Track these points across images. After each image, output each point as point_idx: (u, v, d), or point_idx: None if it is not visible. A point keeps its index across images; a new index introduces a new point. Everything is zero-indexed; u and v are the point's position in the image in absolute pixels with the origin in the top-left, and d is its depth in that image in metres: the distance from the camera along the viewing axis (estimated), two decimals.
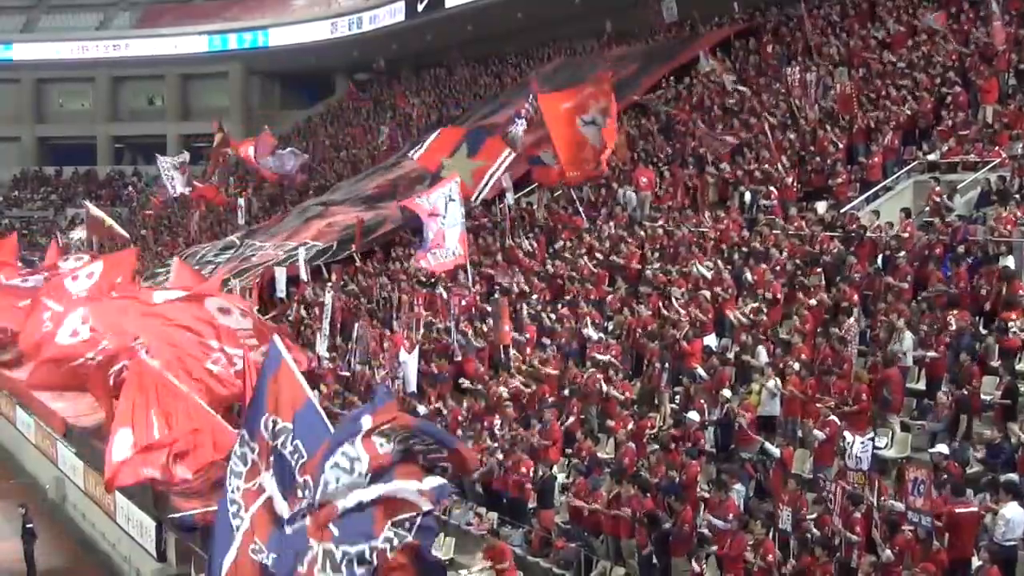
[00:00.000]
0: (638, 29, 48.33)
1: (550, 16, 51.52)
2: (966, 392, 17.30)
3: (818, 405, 18.19)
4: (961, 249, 20.85)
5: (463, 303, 28.59)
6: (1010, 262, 19.95)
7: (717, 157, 30.38)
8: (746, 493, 17.58)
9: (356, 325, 30.12)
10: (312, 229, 42.68)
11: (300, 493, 10.34)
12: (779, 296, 22.16)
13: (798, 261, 23.07)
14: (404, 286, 31.86)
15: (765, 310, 21.97)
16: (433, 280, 31.19)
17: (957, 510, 14.46)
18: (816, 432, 17.54)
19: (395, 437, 10.11)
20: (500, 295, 27.81)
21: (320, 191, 51.42)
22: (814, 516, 15.95)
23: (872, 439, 16.87)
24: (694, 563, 16.24)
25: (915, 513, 14.41)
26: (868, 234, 22.80)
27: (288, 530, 10.43)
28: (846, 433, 16.65)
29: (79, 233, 54.21)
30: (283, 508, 10.52)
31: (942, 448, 15.90)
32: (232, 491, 10.97)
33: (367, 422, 10.25)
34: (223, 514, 10.96)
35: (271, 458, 10.74)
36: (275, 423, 10.76)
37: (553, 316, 25.98)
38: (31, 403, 31.29)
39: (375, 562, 9.95)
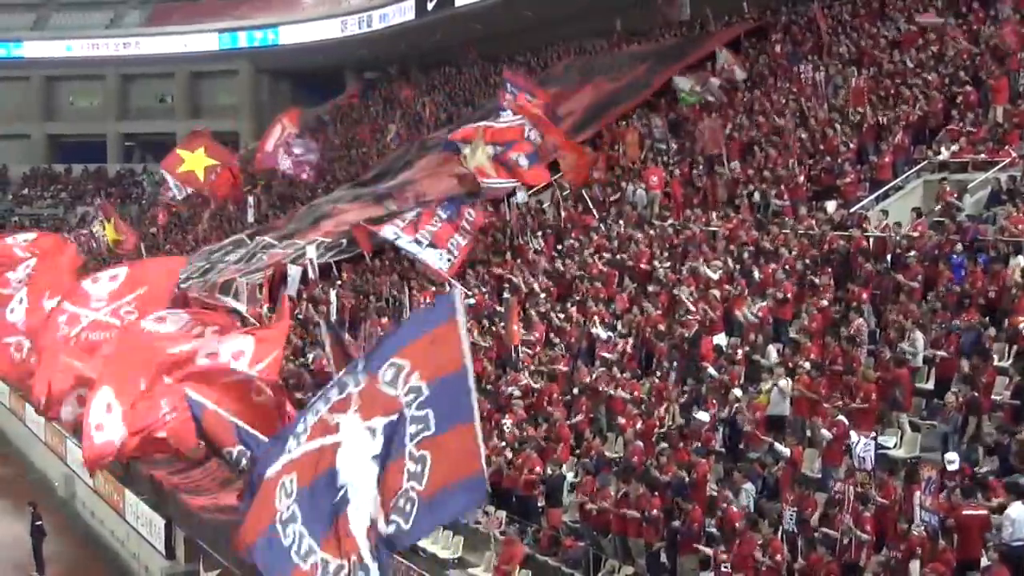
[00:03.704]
0: (648, 27, 48.29)
1: (560, 15, 51.44)
2: (976, 393, 17.24)
3: (825, 405, 18.16)
4: (960, 248, 20.79)
5: (471, 302, 28.60)
6: (1021, 262, 19.90)
7: (728, 153, 30.38)
8: (755, 493, 17.56)
9: (364, 324, 30.15)
10: (321, 228, 42.68)
11: (412, 467, 9.39)
12: (790, 295, 22.13)
13: (807, 260, 23.04)
14: (414, 284, 31.87)
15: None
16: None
17: (965, 512, 14.44)
18: (824, 432, 17.52)
19: None
20: (510, 294, 27.82)
21: (329, 190, 51.43)
22: (822, 515, 15.94)
23: (875, 439, 16.86)
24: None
25: (925, 512, 14.43)
26: (877, 233, 22.76)
27: (335, 494, 9.61)
28: (851, 433, 16.65)
29: (98, 227, 53.99)
30: (352, 467, 9.57)
31: (952, 456, 15.78)
32: (309, 413, 10.08)
33: None
34: (286, 430, 10.33)
35: (387, 418, 9.64)
36: (410, 380, 9.57)
37: (562, 315, 25.98)
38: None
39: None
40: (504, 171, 32.02)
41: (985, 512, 14.52)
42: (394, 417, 9.53)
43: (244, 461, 17.34)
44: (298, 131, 50.77)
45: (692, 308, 22.89)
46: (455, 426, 9.35)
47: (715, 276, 23.79)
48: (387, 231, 32.03)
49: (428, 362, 9.54)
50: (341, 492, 9.60)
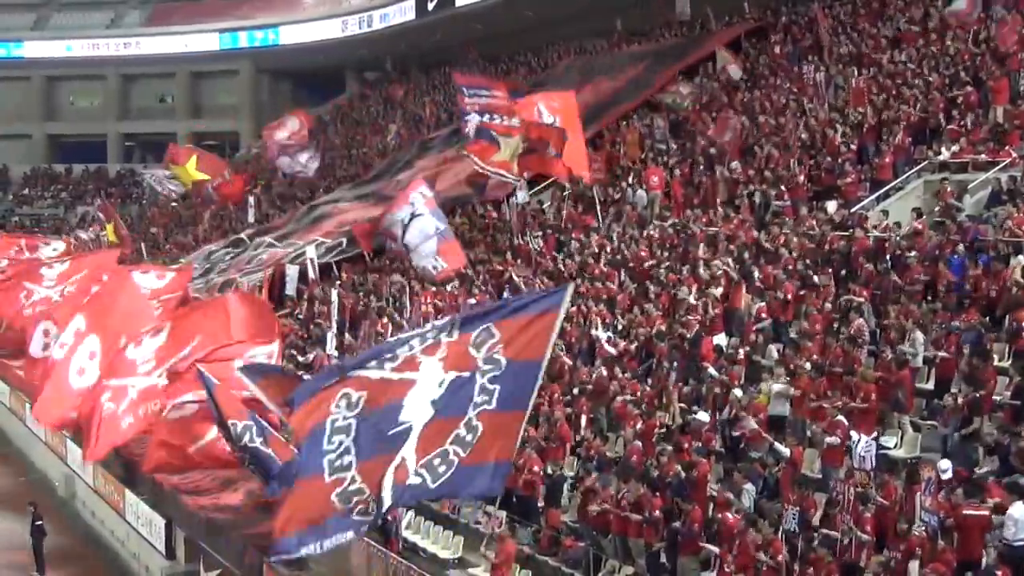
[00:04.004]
0: (648, 28, 48.31)
1: (560, 15, 51.47)
2: (979, 394, 17.22)
3: (825, 406, 18.15)
4: (962, 248, 20.78)
5: (472, 301, 28.58)
6: (1021, 261, 19.88)
7: (730, 151, 30.38)
8: (755, 493, 17.56)
9: (363, 324, 30.16)
10: (322, 227, 42.67)
11: (462, 432, 9.75)
12: (790, 296, 22.13)
13: (808, 260, 23.03)
14: (415, 283, 31.86)
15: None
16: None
17: (965, 511, 14.43)
18: (829, 440, 17.47)
19: None
20: (509, 294, 27.80)
21: (329, 190, 51.44)
22: (822, 515, 15.94)
23: (876, 439, 16.86)
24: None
25: (925, 512, 14.43)
26: (878, 233, 22.75)
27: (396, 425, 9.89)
28: (852, 433, 16.64)
29: (88, 234, 54.17)
30: (416, 408, 9.90)
31: (944, 464, 15.73)
32: (401, 346, 10.37)
33: None
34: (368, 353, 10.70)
35: (459, 373, 10.01)
36: (497, 350, 9.97)
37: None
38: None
39: None
40: (536, 161, 31.45)
41: (986, 512, 14.50)
42: (466, 375, 9.90)
43: (248, 436, 17.47)
44: (309, 134, 50.95)
45: (690, 311, 22.85)
46: (513, 410, 9.73)
47: (716, 274, 23.81)
48: (387, 220, 31.71)
49: (516, 341, 9.87)
50: (402, 427, 9.86)
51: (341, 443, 9.97)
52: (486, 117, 31.37)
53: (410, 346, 10.28)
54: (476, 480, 10.03)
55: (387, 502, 9.86)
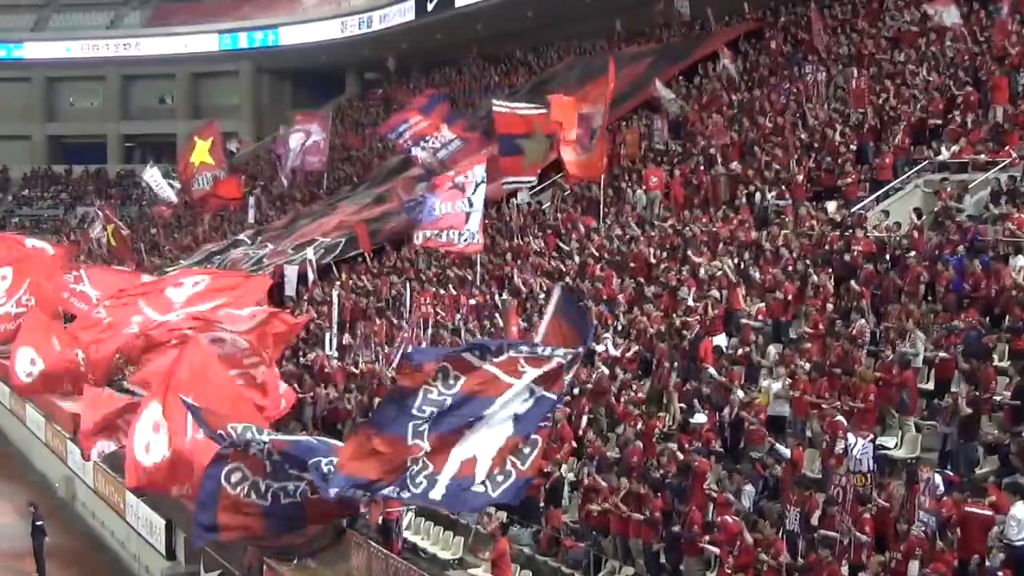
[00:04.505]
0: (649, 28, 48.33)
1: (560, 15, 51.52)
2: (978, 393, 17.20)
3: (824, 406, 18.14)
4: (961, 248, 20.78)
5: (472, 302, 28.60)
6: (1021, 261, 19.89)
7: (727, 151, 30.38)
8: (756, 493, 17.54)
9: (362, 324, 30.15)
10: (321, 228, 42.70)
11: (523, 447, 10.48)
12: (790, 296, 22.12)
13: (808, 260, 23.03)
14: (414, 284, 31.87)
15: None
16: (443, 279, 31.21)
17: (967, 508, 14.42)
18: (828, 440, 17.45)
19: None
20: (509, 294, 27.81)
21: (330, 191, 51.49)
22: (821, 516, 15.92)
23: (872, 441, 16.83)
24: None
25: (924, 512, 14.41)
26: (877, 234, 22.75)
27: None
28: (849, 434, 16.63)
29: (98, 232, 54.06)
30: (500, 412, 10.53)
31: (937, 479, 15.62)
32: (514, 346, 11.23)
33: None
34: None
35: (547, 393, 10.71)
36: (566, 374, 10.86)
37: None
38: (41, 401, 31.45)
39: None
40: (577, 148, 30.79)
41: (989, 512, 14.47)
42: (553, 396, 10.86)
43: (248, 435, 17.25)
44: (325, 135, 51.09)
45: (690, 312, 22.83)
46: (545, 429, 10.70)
47: (715, 275, 23.81)
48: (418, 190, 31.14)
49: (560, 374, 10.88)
50: (479, 420, 10.52)
51: (431, 414, 10.56)
52: (422, 143, 31.65)
53: (519, 350, 10.98)
54: (517, 491, 10.86)
55: (442, 484, 10.46)
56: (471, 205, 28.84)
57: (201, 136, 51.31)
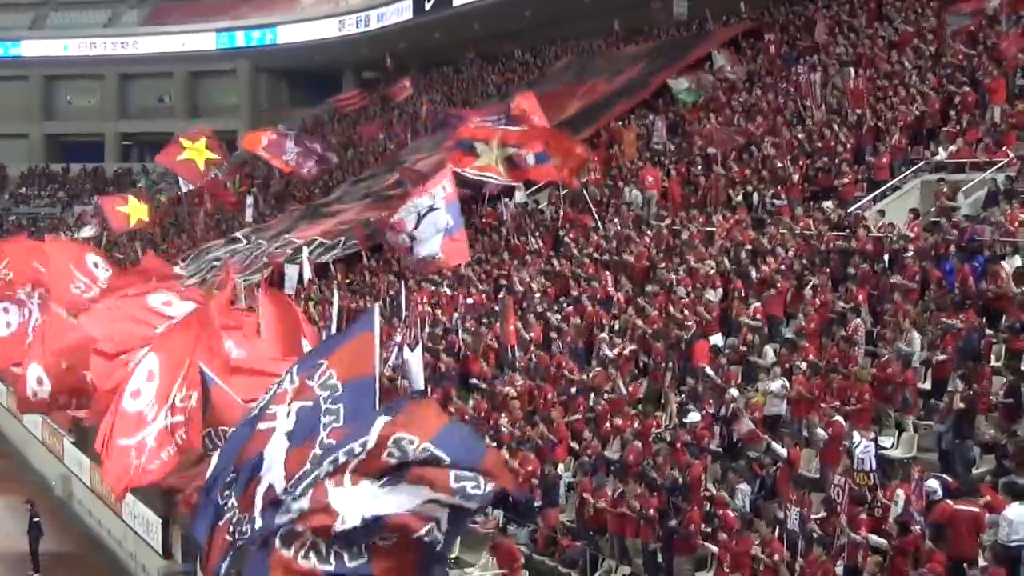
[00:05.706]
0: (647, 27, 48.34)
1: (558, 14, 51.50)
2: (973, 392, 17.20)
3: (822, 405, 18.16)
4: (954, 249, 20.80)
5: (469, 301, 28.59)
6: (1017, 261, 19.90)
7: (726, 153, 30.38)
8: (752, 493, 17.56)
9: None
10: (319, 227, 42.68)
11: (318, 452, 10.25)
12: (787, 296, 22.13)
13: (804, 260, 23.04)
14: (411, 284, 31.85)
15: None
16: (439, 278, 31.18)
17: (956, 507, 14.45)
18: (819, 432, 17.50)
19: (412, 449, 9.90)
20: (506, 294, 27.81)
21: (327, 190, 51.44)
22: (819, 516, 15.95)
23: (875, 440, 16.85)
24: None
25: (915, 512, 14.46)
26: (873, 234, 22.76)
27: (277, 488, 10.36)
28: (854, 433, 16.62)
29: (89, 231, 54.05)
30: (278, 450, 10.48)
31: (933, 484, 15.55)
32: (260, 402, 11.13)
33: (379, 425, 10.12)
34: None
35: (302, 403, 10.65)
36: (329, 375, 10.67)
37: (559, 315, 25.97)
38: None
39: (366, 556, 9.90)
40: (514, 170, 31.51)
41: (977, 509, 14.49)
42: (309, 403, 10.53)
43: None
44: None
45: (687, 312, 22.80)
46: (361, 422, 10.13)
47: (712, 275, 23.83)
48: (403, 209, 31.35)
49: (344, 365, 10.65)
50: (263, 460, 10.54)
51: (228, 495, 10.71)
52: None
53: (265, 400, 10.99)
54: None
55: (259, 520, 10.33)
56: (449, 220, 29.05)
57: (192, 139, 50.86)
